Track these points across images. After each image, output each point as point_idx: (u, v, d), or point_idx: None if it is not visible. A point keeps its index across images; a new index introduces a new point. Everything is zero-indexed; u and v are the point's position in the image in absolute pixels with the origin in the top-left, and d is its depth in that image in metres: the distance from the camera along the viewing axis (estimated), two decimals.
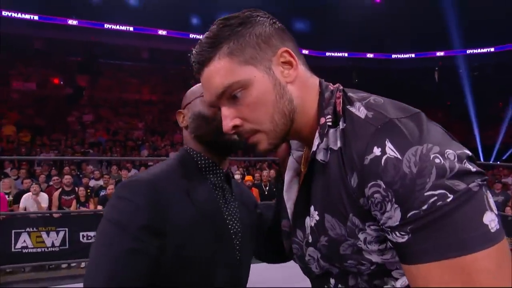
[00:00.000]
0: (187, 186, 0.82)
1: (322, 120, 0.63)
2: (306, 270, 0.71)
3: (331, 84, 0.69)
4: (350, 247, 0.59)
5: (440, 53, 24.10)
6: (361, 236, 0.57)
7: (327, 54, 24.79)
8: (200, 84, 0.76)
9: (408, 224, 0.50)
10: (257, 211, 1.03)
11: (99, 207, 5.74)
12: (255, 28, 0.63)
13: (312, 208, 0.63)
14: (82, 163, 8.51)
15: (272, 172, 8.19)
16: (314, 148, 0.63)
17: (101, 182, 6.81)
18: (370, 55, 25.08)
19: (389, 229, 0.53)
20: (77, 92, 17.73)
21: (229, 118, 0.64)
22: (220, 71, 0.62)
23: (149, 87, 19.62)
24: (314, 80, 0.68)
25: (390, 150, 0.52)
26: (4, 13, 18.87)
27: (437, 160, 0.49)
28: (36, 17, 19.43)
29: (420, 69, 24.29)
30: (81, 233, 5.33)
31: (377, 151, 0.53)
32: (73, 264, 5.54)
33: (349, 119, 0.59)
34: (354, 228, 0.57)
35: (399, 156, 0.51)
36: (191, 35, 21.66)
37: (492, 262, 0.48)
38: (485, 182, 0.51)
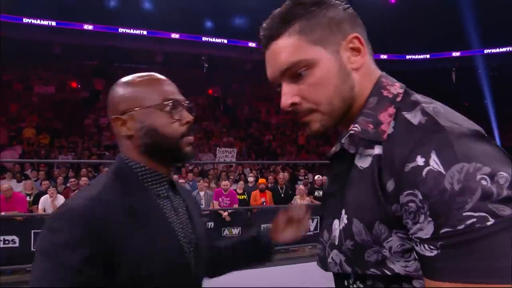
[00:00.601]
0: (130, 203, 0.77)
1: (357, 125, 0.62)
2: (325, 270, 0.69)
3: (395, 84, 0.66)
4: (375, 253, 0.57)
5: (456, 54, 23.61)
6: (386, 244, 0.56)
7: None
8: (144, 87, 0.84)
9: (439, 240, 0.48)
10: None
11: None
12: (329, 10, 0.63)
13: (343, 211, 0.62)
14: (99, 165, 8.68)
15: (286, 174, 8.18)
16: (342, 140, 0.65)
17: None
18: (383, 56, 24.78)
19: (418, 240, 0.51)
20: (94, 95, 18.07)
21: (289, 95, 0.64)
22: (288, 48, 0.63)
23: None
24: (376, 73, 0.67)
25: (434, 162, 0.49)
26: (25, 20, 19.44)
27: (483, 182, 0.47)
28: (54, 23, 19.93)
29: (437, 70, 23.86)
30: None
31: (420, 160, 0.51)
32: None
33: (400, 125, 0.58)
34: (379, 236, 0.56)
35: (442, 171, 0.49)
36: (204, 38, 21.86)
37: None
38: None
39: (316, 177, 7.50)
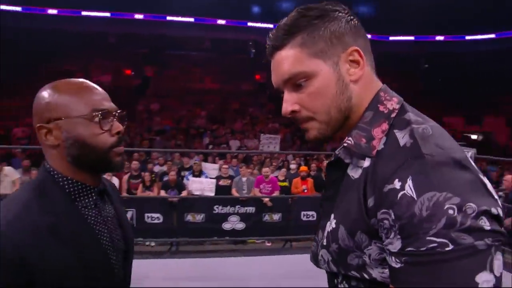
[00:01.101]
0: (52, 221, 0.74)
1: (350, 138, 0.67)
2: (317, 266, 0.74)
3: (393, 98, 0.68)
4: (357, 258, 0.62)
5: None
6: (366, 251, 0.61)
7: (391, 38, 23.29)
8: (72, 96, 0.81)
9: (404, 256, 0.53)
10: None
11: (162, 192, 6.15)
12: (331, 23, 0.66)
13: (332, 216, 0.67)
14: (149, 152, 9.16)
15: None
16: (336, 152, 0.70)
17: (164, 168, 7.27)
18: (440, 38, 23.04)
19: (388, 252, 0.57)
20: (145, 82, 18.95)
21: (289, 103, 0.69)
22: (289, 59, 0.66)
23: (211, 76, 20.26)
24: (377, 85, 0.70)
25: (409, 188, 0.53)
26: (84, 13, 20.74)
27: (450, 211, 0.50)
28: (108, 14, 21.05)
29: (502, 51, 21.78)
30: (146, 214, 5.80)
31: (397, 184, 0.55)
32: (139, 241, 6.07)
33: (390, 143, 0.61)
34: (360, 243, 0.61)
35: (415, 197, 0.52)
36: (250, 24, 21.81)
37: None
38: (497, 243, 0.51)
39: None
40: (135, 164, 6.55)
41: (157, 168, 7.57)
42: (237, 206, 6.02)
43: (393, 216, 0.54)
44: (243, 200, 6.03)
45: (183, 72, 20.38)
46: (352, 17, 0.68)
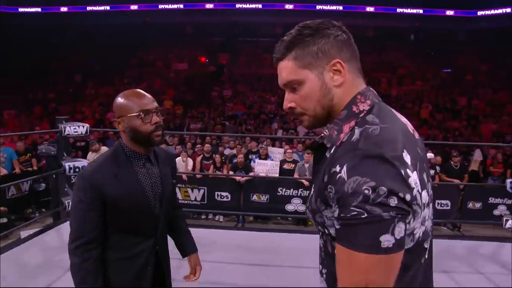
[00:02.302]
0: (116, 171, 1.34)
1: (327, 129, 0.87)
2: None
3: (367, 101, 0.86)
4: (320, 218, 0.84)
5: None
6: (323, 213, 0.82)
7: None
8: (128, 101, 1.36)
9: (340, 219, 0.75)
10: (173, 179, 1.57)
11: (231, 172, 6.65)
12: (320, 39, 0.84)
13: (313, 184, 0.89)
14: (220, 136, 9.78)
15: None
16: (317, 139, 0.91)
17: (234, 151, 7.77)
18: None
19: (333, 215, 0.78)
20: (219, 69, 19.83)
21: (288, 101, 0.91)
22: (286, 69, 0.88)
23: None
24: (357, 89, 0.88)
25: (343, 172, 0.74)
26: (160, 6, 22.41)
27: (366, 191, 0.70)
28: (181, 6, 22.44)
29: None
30: (216, 192, 6.35)
31: (338, 168, 0.75)
32: (210, 216, 6.68)
33: (349, 137, 0.81)
34: (320, 207, 0.82)
35: (345, 178, 0.73)
36: (318, 7, 21.31)
37: (370, 264, 0.71)
38: (400, 216, 0.71)
39: (427, 154, 6.92)
40: (207, 146, 7.13)
41: (227, 151, 8.10)
42: (299, 189, 6.27)
43: (333, 191, 0.75)
44: (305, 184, 6.24)
45: (255, 58, 20.83)
46: (340, 33, 0.86)
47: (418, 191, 0.74)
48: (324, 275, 0.91)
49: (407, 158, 0.75)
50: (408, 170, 0.73)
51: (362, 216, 0.70)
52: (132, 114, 1.34)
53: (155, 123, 1.36)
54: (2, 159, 6.52)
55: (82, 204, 1.30)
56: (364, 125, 0.80)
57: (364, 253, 0.71)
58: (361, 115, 0.83)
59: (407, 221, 0.73)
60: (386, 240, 0.70)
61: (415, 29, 23.02)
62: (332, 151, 0.83)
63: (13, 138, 7.70)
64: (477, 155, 8.97)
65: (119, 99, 1.38)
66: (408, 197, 0.71)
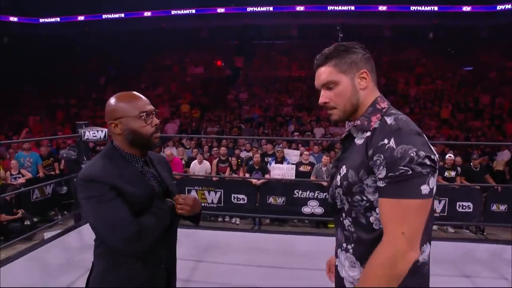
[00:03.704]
0: (119, 171, 1.29)
1: (358, 120, 1.15)
2: (332, 205, 1.21)
3: (385, 102, 1.16)
4: (359, 187, 1.09)
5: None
6: (365, 181, 1.07)
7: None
8: (127, 103, 1.31)
9: (387, 178, 1.01)
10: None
11: (247, 175, 6.66)
12: (352, 55, 1.15)
13: (344, 166, 1.14)
14: (236, 138, 9.82)
15: None
16: (350, 129, 1.18)
17: (250, 154, 7.79)
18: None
19: (378, 179, 1.04)
20: (235, 72, 19.94)
21: (323, 98, 1.18)
22: (326, 73, 1.16)
23: (298, 63, 20.34)
24: (376, 93, 1.18)
25: (392, 143, 1.01)
26: (173, 11, 22.91)
27: (411, 154, 0.98)
28: (193, 11, 23.14)
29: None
30: (232, 195, 6.38)
31: (386, 141, 1.02)
32: (226, 219, 6.71)
33: (382, 124, 1.09)
34: (362, 177, 1.07)
35: (394, 147, 1.00)
36: (329, 7, 21.17)
37: (414, 207, 0.98)
38: (432, 172, 1.00)
39: (447, 156, 6.75)
40: (223, 149, 7.18)
41: (243, 154, 8.13)
42: (316, 192, 6.22)
43: (382, 157, 1.01)
44: (322, 186, 6.19)
45: (270, 61, 20.87)
46: (365, 52, 1.16)
47: (437, 157, 1.02)
48: (351, 250, 1.15)
49: None
50: (427, 140, 1.04)
51: (409, 173, 0.97)
52: (132, 116, 1.31)
53: (154, 125, 1.35)
54: (28, 164, 6.77)
55: (106, 199, 1.21)
56: (392, 115, 1.09)
57: (411, 199, 0.98)
58: (384, 110, 1.13)
59: (434, 176, 1.01)
60: (425, 189, 0.98)
61: (433, 26, 22.57)
62: (366, 135, 1.10)
63: (37, 142, 7.95)
64: (503, 155, 8.67)
65: (115, 101, 1.33)
66: (435, 158, 1.01)
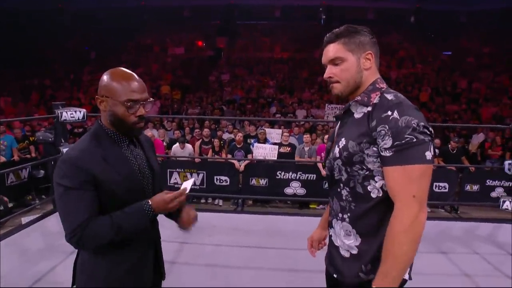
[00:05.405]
0: (103, 153, 1.24)
1: (359, 96, 1.24)
2: (330, 177, 1.30)
3: (384, 83, 1.26)
4: (359, 157, 1.17)
5: None
6: (366, 151, 1.16)
7: None
8: (118, 84, 1.23)
9: (393, 147, 1.10)
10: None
11: (229, 156, 6.65)
12: (361, 36, 1.24)
13: (343, 139, 1.22)
14: (219, 120, 9.73)
15: None
16: (350, 104, 1.27)
17: (232, 135, 7.75)
18: None
19: (383, 148, 1.12)
20: (217, 53, 19.58)
21: (329, 72, 1.27)
22: (334, 49, 1.25)
23: (281, 45, 20.14)
24: (377, 75, 1.27)
25: (396, 115, 1.11)
26: None
27: (414, 125, 1.09)
28: None
29: None
30: (215, 176, 6.37)
31: (390, 113, 1.12)
32: (209, 200, 6.72)
33: (382, 99, 1.19)
34: (363, 147, 1.16)
35: (398, 118, 1.11)
36: None
37: (419, 172, 1.08)
38: (431, 140, 1.12)
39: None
40: (206, 131, 7.11)
41: (226, 136, 8.08)
42: (299, 173, 6.29)
43: (387, 127, 1.10)
44: (304, 167, 6.25)
45: (253, 42, 20.57)
46: (372, 37, 1.25)
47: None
48: (347, 219, 1.23)
49: None
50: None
51: (414, 140, 1.08)
52: (118, 100, 1.24)
53: (138, 116, 1.27)
54: (2, 147, 6.51)
55: (73, 192, 1.17)
56: (391, 93, 1.20)
57: (417, 164, 1.08)
58: (382, 89, 1.24)
59: (433, 144, 1.12)
60: (428, 154, 1.10)
61: (415, 10, 22.69)
62: (367, 110, 1.20)
63: (10, 125, 7.65)
64: (478, 138, 8.95)
65: (109, 79, 1.26)
66: (431, 130, 1.12)
